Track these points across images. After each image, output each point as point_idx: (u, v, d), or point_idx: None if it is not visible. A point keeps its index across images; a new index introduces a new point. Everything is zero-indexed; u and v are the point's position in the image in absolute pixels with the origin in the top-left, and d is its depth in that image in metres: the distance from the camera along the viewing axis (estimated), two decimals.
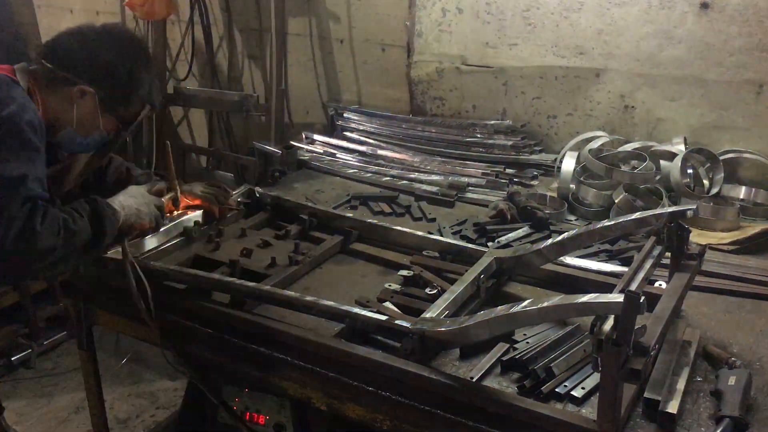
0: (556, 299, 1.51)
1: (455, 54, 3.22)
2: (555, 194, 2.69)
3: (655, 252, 1.75)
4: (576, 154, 2.70)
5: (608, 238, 2.14)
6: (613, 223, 1.90)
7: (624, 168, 2.65)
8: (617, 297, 1.37)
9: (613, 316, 1.39)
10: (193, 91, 3.67)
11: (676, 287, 1.67)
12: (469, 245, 2.16)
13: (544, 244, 1.98)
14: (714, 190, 2.59)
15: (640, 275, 1.63)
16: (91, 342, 2.14)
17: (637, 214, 1.88)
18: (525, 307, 1.52)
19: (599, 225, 1.93)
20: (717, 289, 2.01)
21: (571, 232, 1.96)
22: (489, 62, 3.15)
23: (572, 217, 2.56)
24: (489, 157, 3.05)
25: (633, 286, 1.58)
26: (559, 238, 1.96)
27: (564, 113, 3.06)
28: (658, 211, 1.85)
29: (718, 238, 2.34)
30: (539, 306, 1.50)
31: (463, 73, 3.21)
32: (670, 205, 2.43)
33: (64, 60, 1.92)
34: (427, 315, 1.75)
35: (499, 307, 1.59)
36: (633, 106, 2.90)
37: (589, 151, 2.69)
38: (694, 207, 1.79)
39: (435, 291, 1.93)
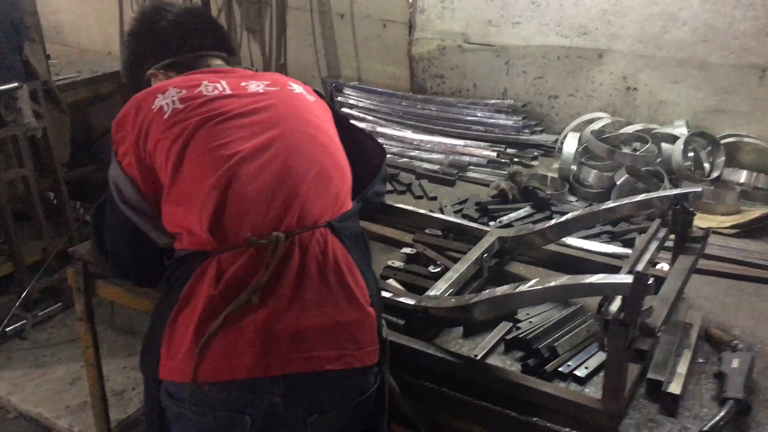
0: (564, 279, 1.51)
1: (457, 31, 3.19)
2: (556, 175, 2.69)
3: (660, 234, 1.75)
4: (578, 135, 2.69)
5: (611, 220, 2.14)
6: (616, 204, 1.90)
7: (625, 150, 2.65)
8: (626, 278, 1.37)
9: (620, 296, 1.40)
10: None
11: (681, 269, 1.67)
12: (472, 224, 2.16)
13: (548, 224, 1.99)
14: (714, 174, 2.59)
15: (646, 257, 1.64)
16: (90, 314, 2.13)
17: (642, 196, 1.88)
18: (532, 286, 1.52)
19: (603, 206, 1.93)
20: (718, 273, 2.02)
21: (575, 213, 1.96)
22: (491, 41, 3.13)
23: (573, 198, 2.56)
24: (489, 136, 3.04)
25: (639, 268, 1.59)
26: (563, 218, 1.96)
27: (565, 94, 3.05)
28: (663, 193, 1.86)
29: (718, 222, 2.34)
30: (546, 285, 1.50)
31: (464, 51, 3.19)
32: (671, 188, 2.44)
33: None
34: (431, 293, 1.76)
35: (505, 285, 1.60)
36: (635, 88, 2.89)
37: (591, 132, 2.68)
38: (700, 189, 1.80)
39: (438, 269, 1.93)
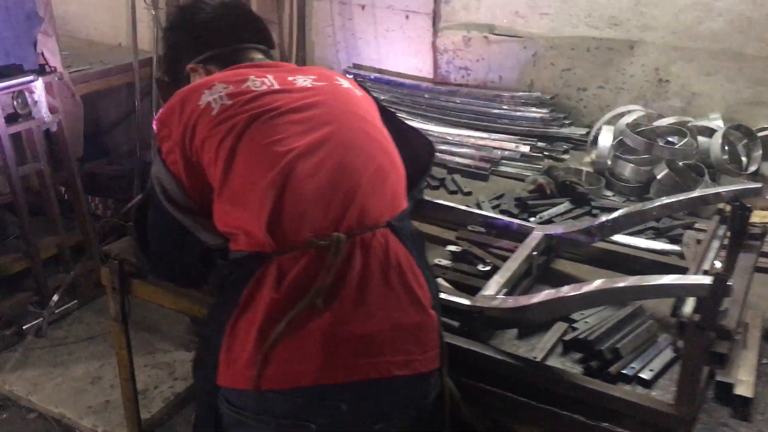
0: (633, 279, 1.48)
1: (483, 23, 3.14)
2: (588, 168, 2.65)
3: (720, 232, 1.72)
4: (612, 128, 2.64)
5: (663, 216, 2.09)
6: (671, 201, 1.86)
7: (661, 143, 2.61)
8: (703, 279, 1.34)
9: (693, 298, 1.36)
10: None
11: (745, 268, 1.64)
12: (515, 220, 2.12)
13: (596, 222, 1.94)
14: (752, 168, 2.56)
15: (711, 256, 1.60)
16: (125, 314, 2.08)
17: (696, 192, 1.86)
18: (600, 287, 1.48)
19: (656, 203, 1.89)
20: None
21: (625, 211, 1.92)
22: (518, 32, 3.08)
23: (609, 193, 2.51)
24: (516, 129, 2.99)
25: (705, 267, 1.55)
26: (613, 216, 1.91)
27: (594, 86, 3.01)
28: (720, 189, 1.82)
29: (760, 217, 2.30)
30: (615, 286, 1.47)
31: (491, 42, 3.14)
32: (711, 183, 2.40)
33: None
34: (486, 293, 1.71)
35: (567, 286, 1.55)
36: (667, 80, 2.85)
37: (627, 125, 2.64)
38: (759, 186, 1.76)
39: (488, 268, 1.89)
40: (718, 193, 1.80)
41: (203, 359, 1.49)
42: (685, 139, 2.52)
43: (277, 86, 1.59)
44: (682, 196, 1.85)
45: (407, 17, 3.33)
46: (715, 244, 1.65)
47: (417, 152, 1.83)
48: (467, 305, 1.66)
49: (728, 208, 1.77)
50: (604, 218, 1.92)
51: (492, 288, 1.73)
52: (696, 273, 1.48)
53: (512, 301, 1.63)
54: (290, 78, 1.64)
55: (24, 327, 3.35)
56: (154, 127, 1.63)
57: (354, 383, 1.37)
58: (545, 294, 1.57)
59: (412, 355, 1.42)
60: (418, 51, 3.36)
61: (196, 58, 1.80)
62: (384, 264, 1.45)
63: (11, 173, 3.22)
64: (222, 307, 1.47)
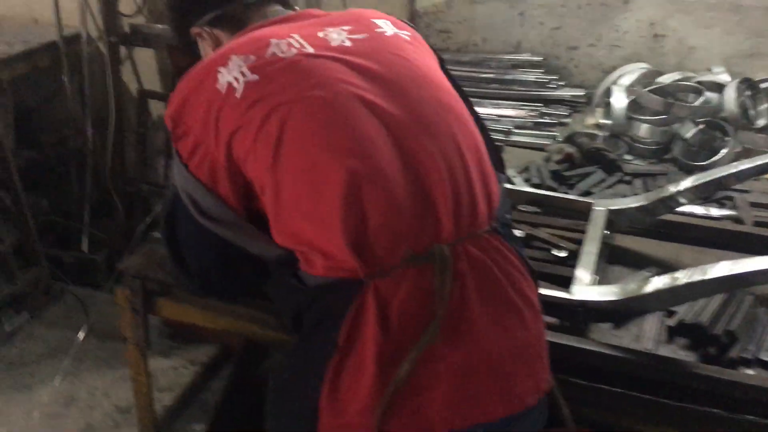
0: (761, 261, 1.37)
1: None
2: (596, 132, 2.54)
3: None
4: (623, 88, 2.54)
5: (733, 185, 1.98)
6: (747, 167, 1.76)
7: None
8: None
9: None
10: (157, 30, 3.18)
11: None
12: (568, 196, 1.98)
13: (660, 196, 1.83)
14: (760, 122, 2.53)
15: None
16: (148, 338, 1.81)
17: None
18: (730, 270, 1.37)
19: (724, 173, 1.79)
20: None
21: (695, 180, 1.81)
22: None
23: (628, 156, 2.42)
24: (509, 93, 2.85)
25: None
26: (683, 186, 1.80)
27: (586, 44, 2.90)
28: None
29: None
30: (751, 270, 1.35)
31: (475, 3, 2.96)
32: (735, 141, 2.34)
33: None
34: (581, 284, 1.57)
35: (682, 271, 1.44)
36: (663, 35, 2.78)
37: (639, 84, 2.55)
38: None
39: (565, 253, 1.75)
40: None
41: (293, 408, 1.26)
42: (702, 97, 2.45)
43: (310, 49, 1.28)
44: (757, 161, 1.76)
45: None
46: None
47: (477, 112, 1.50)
48: (568, 299, 1.52)
49: None
50: (672, 190, 1.81)
51: (584, 277, 1.59)
52: None
53: (618, 291, 1.50)
54: (321, 34, 1.32)
55: None
56: (167, 125, 1.35)
57: (489, 423, 1.19)
58: (658, 281, 1.45)
59: (538, 375, 1.25)
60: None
61: (200, 19, 1.47)
62: (497, 275, 1.23)
63: None
64: (311, 348, 1.24)
